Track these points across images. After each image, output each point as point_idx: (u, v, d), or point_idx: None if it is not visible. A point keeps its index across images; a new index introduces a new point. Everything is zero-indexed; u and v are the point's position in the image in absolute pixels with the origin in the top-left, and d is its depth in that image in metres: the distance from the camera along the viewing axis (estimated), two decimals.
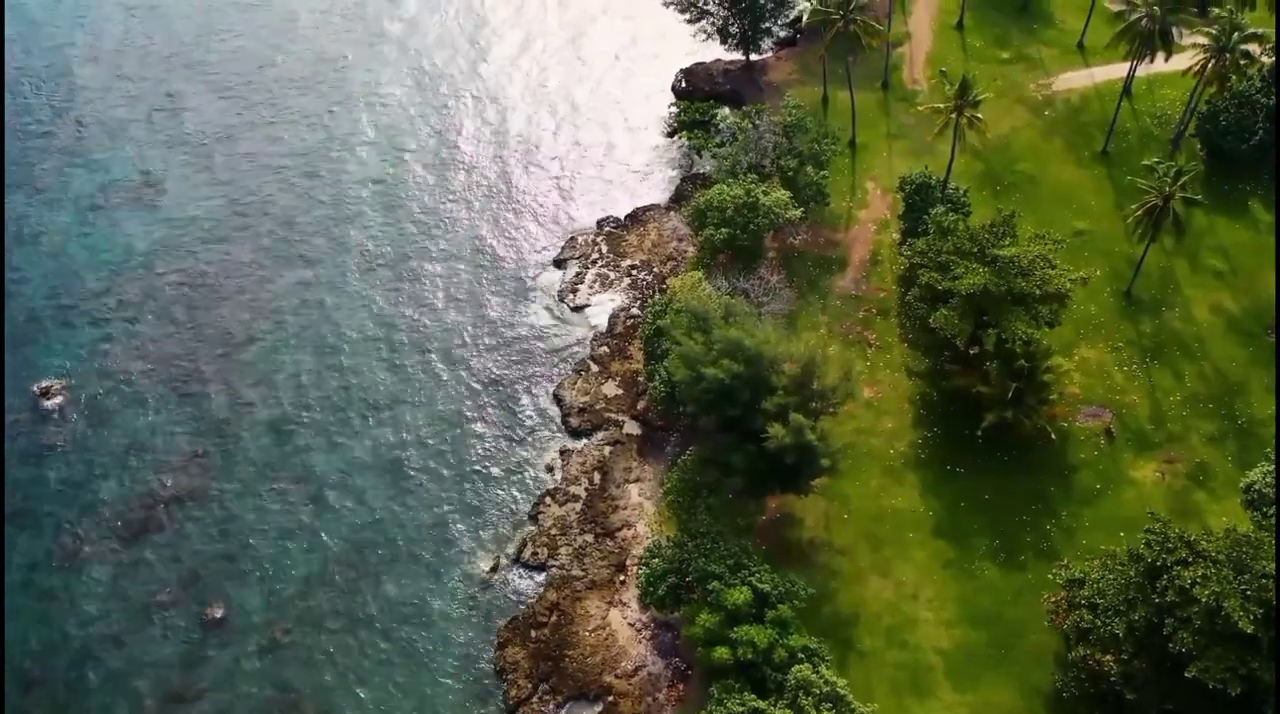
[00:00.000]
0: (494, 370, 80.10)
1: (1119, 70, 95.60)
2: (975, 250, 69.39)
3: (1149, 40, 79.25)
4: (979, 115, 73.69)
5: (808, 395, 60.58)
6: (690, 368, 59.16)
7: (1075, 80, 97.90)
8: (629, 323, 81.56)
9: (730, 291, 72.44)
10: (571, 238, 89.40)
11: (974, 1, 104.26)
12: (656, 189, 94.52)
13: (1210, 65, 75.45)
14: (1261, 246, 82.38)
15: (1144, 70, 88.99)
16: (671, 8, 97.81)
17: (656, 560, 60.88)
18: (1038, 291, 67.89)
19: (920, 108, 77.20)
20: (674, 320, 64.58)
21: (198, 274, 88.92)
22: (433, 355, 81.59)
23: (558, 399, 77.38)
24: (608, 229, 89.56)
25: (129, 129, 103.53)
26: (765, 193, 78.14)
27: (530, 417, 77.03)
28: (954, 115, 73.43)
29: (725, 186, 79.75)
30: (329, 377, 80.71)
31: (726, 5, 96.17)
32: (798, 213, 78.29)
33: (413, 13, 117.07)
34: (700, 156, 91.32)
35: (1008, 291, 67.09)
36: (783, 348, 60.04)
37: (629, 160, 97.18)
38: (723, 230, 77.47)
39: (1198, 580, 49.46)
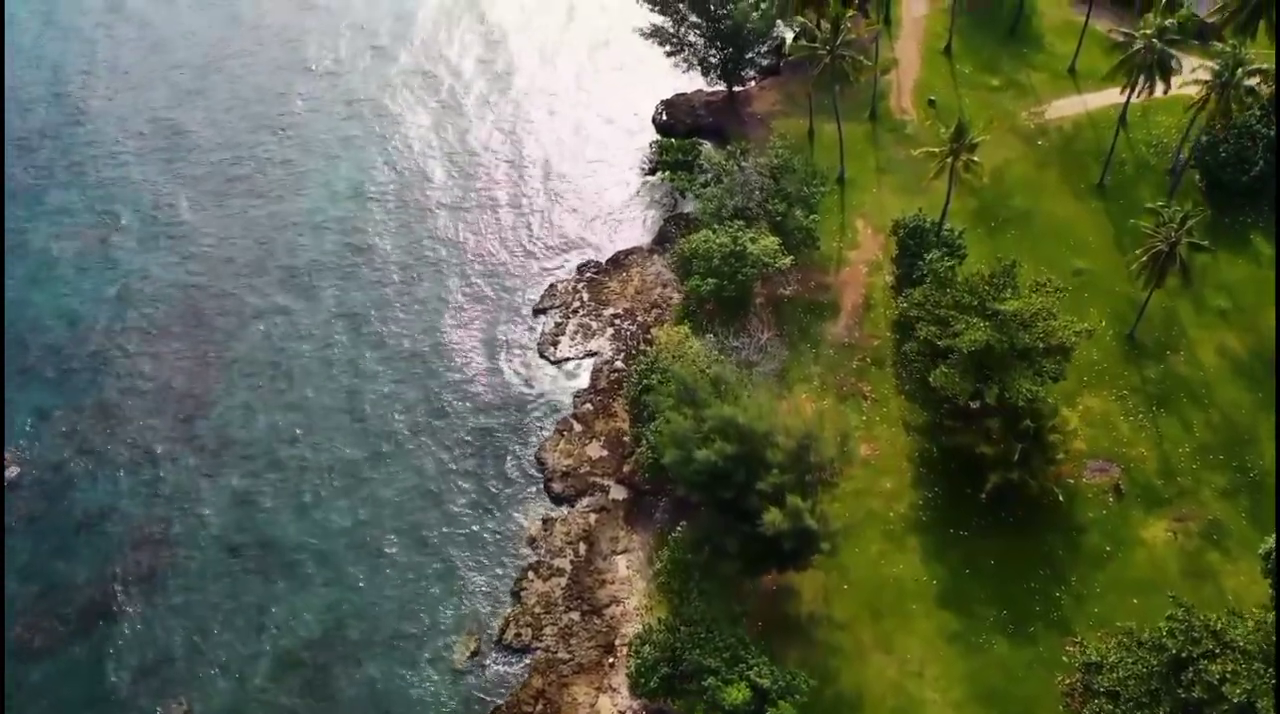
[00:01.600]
0: (472, 432, 76.03)
1: (1112, 96, 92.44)
2: (975, 303, 66.13)
3: (1148, 72, 76.19)
4: (975, 158, 70.34)
5: (804, 468, 57.02)
6: (680, 447, 55.53)
7: (1068, 107, 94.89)
8: (613, 377, 77.80)
9: (719, 350, 68.77)
10: (552, 285, 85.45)
11: (962, 25, 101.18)
12: (638, 230, 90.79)
13: (1212, 100, 72.41)
14: (1263, 281, 79.44)
15: (1139, 96, 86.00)
16: (650, 40, 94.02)
17: (648, 648, 57.25)
18: (1041, 345, 64.80)
19: (915, 153, 73.75)
20: (661, 392, 60.84)
21: (160, 329, 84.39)
22: (407, 417, 77.41)
23: (540, 462, 73.53)
24: (589, 274, 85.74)
25: (90, 170, 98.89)
26: (753, 240, 74.58)
27: (511, 482, 73.06)
28: (949, 159, 69.97)
29: (711, 232, 76.14)
30: (297, 440, 76.49)
31: (707, 36, 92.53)
32: (787, 261, 74.78)
33: (374, 49, 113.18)
34: (684, 197, 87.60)
35: (1010, 346, 63.91)
36: (778, 421, 56.40)
37: (609, 199, 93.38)
38: (709, 280, 73.90)
39: (1227, 677, 46.36)
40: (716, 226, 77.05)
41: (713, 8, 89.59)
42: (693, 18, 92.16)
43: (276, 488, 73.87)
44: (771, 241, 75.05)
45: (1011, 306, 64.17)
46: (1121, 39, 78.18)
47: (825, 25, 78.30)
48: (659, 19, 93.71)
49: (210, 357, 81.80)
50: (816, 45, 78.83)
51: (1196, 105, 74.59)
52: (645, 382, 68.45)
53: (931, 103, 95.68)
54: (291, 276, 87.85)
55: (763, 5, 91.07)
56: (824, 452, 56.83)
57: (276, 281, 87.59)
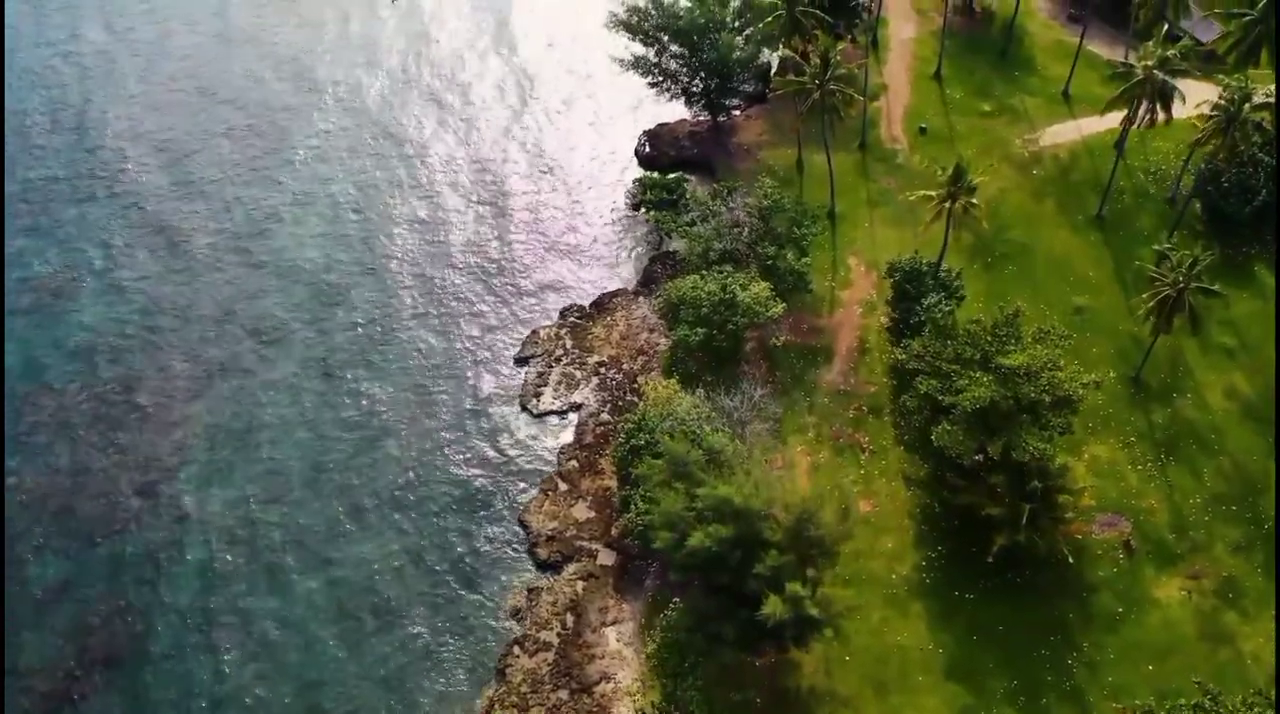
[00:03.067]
0: (452, 493, 72.23)
1: (1108, 121, 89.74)
2: (977, 357, 63.08)
3: (1149, 103, 73.28)
4: (974, 201, 67.23)
5: (804, 544, 53.73)
6: (672, 530, 52.15)
7: (1062, 133, 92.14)
8: (598, 431, 74.28)
9: (711, 407, 65.41)
10: (533, 331, 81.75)
11: (951, 48, 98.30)
12: (622, 270, 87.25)
13: (1217, 136, 69.60)
14: (1269, 317, 76.69)
15: (1139, 126, 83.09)
16: (632, 72, 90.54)
17: None
18: (1047, 398, 61.80)
19: (911, 198, 70.59)
20: (652, 468, 57.34)
21: (121, 387, 79.98)
22: (382, 479, 73.32)
23: (523, 525, 69.89)
24: (572, 319, 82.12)
25: (45, 215, 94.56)
26: (742, 287, 71.28)
27: (494, 547, 69.36)
28: (947, 204, 66.83)
29: (699, 278, 72.83)
30: (265, 505, 72.44)
31: (690, 66, 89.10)
32: (779, 309, 71.47)
33: (344, 84, 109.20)
34: (669, 236, 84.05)
35: (1015, 402, 60.90)
36: (776, 494, 53.08)
37: (592, 238, 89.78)
38: (698, 331, 70.57)
39: None
40: (705, 272, 73.76)
41: (695, 38, 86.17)
42: (674, 48, 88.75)
43: (245, 557, 69.88)
44: (762, 288, 71.76)
45: (1016, 361, 61.12)
46: (1121, 69, 75.35)
47: (815, 59, 74.97)
48: (639, 48, 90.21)
49: (174, 416, 77.61)
50: (805, 79, 75.55)
51: (1199, 140, 71.81)
52: (633, 441, 65.02)
53: (923, 130, 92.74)
54: (259, 328, 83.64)
55: (747, 31, 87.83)
56: (824, 526, 53.48)
57: (243, 333, 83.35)
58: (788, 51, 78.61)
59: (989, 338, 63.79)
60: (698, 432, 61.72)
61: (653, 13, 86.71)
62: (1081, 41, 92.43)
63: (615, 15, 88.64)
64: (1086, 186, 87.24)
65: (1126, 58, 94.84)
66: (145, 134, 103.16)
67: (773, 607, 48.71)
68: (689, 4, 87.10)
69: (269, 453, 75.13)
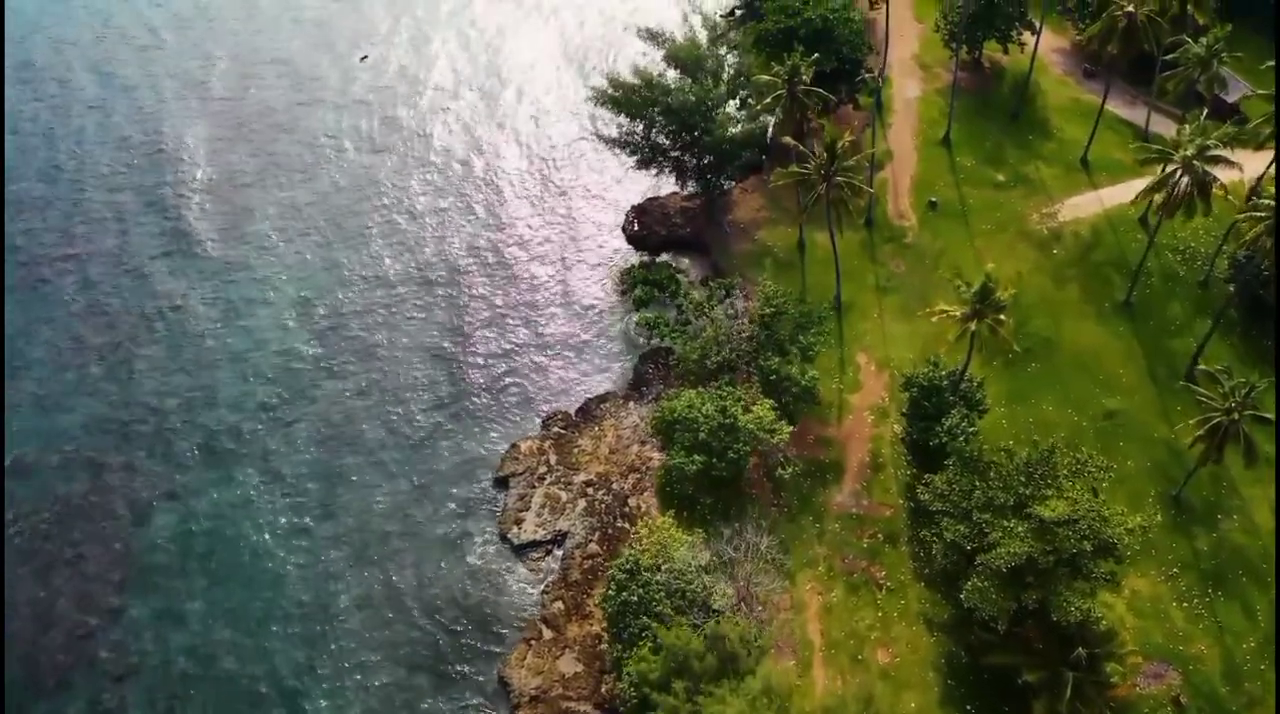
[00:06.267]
0: (423, 643, 64.82)
1: (1130, 191, 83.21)
2: (1010, 503, 56.29)
3: (1187, 197, 66.57)
4: (1002, 317, 60.36)
5: None
6: None
7: (1083, 206, 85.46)
8: (586, 565, 67.17)
9: (710, 556, 58.48)
10: (514, 445, 74.29)
11: (960, 109, 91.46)
12: (611, 367, 79.94)
13: (1265, 239, 62.98)
14: None
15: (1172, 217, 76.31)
16: (617, 150, 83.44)
17: None
18: (1088, 546, 55.02)
19: (933, 318, 63.54)
20: (647, 664, 50.31)
21: (51, 514, 71.84)
22: (343, 627, 65.48)
23: (504, 682, 62.67)
24: (556, 430, 74.88)
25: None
26: (744, 408, 64.30)
27: (473, 712, 62.22)
28: (972, 323, 59.95)
29: (695, 396, 65.82)
30: (216, 656, 64.82)
31: (682, 143, 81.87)
32: (786, 434, 64.49)
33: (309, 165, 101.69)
34: (662, 340, 76.72)
35: (1054, 557, 54.15)
36: (789, 693, 46.17)
37: (576, 334, 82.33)
38: (696, 458, 63.55)
39: None
40: (701, 387, 66.76)
41: (686, 117, 78.98)
42: (663, 121, 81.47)
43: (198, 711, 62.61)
44: (766, 408, 64.78)
45: (1055, 511, 54.31)
46: (1154, 155, 68.64)
47: (820, 150, 67.94)
48: (625, 122, 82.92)
49: (116, 549, 70.07)
50: (809, 170, 68.54)
51: (1243, 239, 65.24)
52: (624, 594, 57.98)
53: (933, 205, 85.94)
54: (212, 439, 76.08)
55: (744, 111, 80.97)
56: None
57: (194, 446, 75.70)
58: (789, 139, 71.39)
59: (1022, 479, 57.00)
60: (698, 592, 54.76)
61: (639, 87, 79.40)
62: (1103, 105, 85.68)
63: (599, 90, 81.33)
64: (1111, 267, 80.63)
65: (1148, 122, 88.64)
66: (100, 209, 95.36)
67: None
68: (678, 81, 79.91)
69: (218, 592, 67.51)
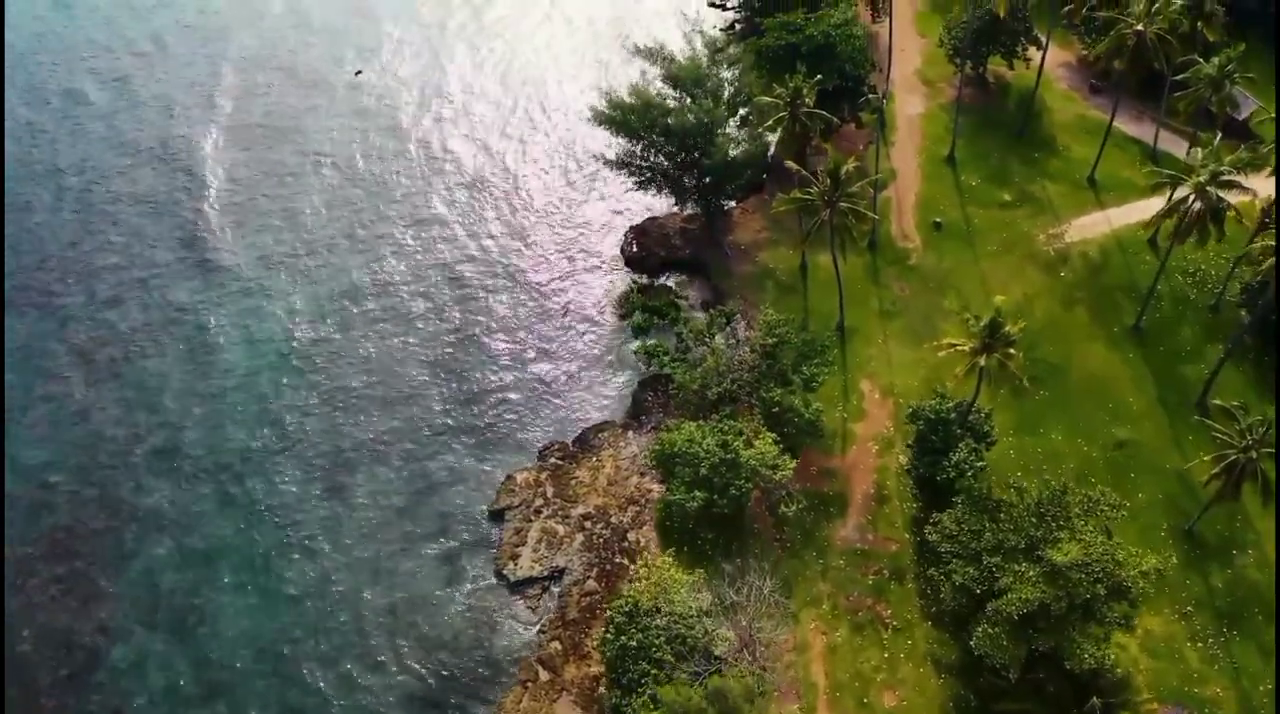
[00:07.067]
0: (415, 686, 62.70)
1: (1139, 211, 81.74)
2: (1022, 545, 54.56)
3: (1200, 223, 64.88)
4: (1012, 352, 58.58)
5: None
6: None
7: (1091, 227, 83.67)
8: (584, 602, 65.35)
9: (711, 599, 56.72)
10: (509, 476, 72.39)
11: (965, 126, 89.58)
12: (609, 395, 77.94)
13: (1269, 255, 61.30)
14: None
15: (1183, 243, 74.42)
16: (617, 172, 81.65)
17: None
18: (1101, 590, 53.33)
19: (940, 352, 61.85)
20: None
21: (24, 553, 69.64)
22: (333, 670, 63.41)
23: None
24: (553, 460, 73.00)
25: None
26: (746, 443, 62.53)
27: None
28: (981, 358, 58.17)
29: (695, 429, 64.06)
30: (199, 701, 62.80)
31: (682, 163, 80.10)
32: (790, 470, 62.69)
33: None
34: (661, 369, 74.81)
35: (1068, 602, 52.44)
36: None
37: (573, 360, 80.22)
38: (697, 495, 61.79)
39: None
40: (701, 419, 65.00)
41: (686, 139, 77.19)
42: (662, 141, 79.64)
43: None
44: (768, 442, 62.98)
45: (1068, 555, 52.56)
46: (1166, 180, 66.85)
47: (823, 174, 66.17)
48: (624, 143, 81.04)
49: (102, 587, 68.23)
50: (812, 196, 66.77)
51: (1258, 269, 63.56)
52: (623, 639, 56.21)
53: (937, 226, 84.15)
54: (196, 475, 73.79)
55: (745, 130, 79.26)
56: None
57: (179, 482, 73.40)
58: (791, 164, 69.58)
59: (1033, 520, 55.28)
60: (699, 637, 53.01)
61: (638, 107, 77.55)
62: (1111, 122, 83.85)
63: (597, 110, 79.48)
64: (1120, 291, 78.83)
65: (1156, 139, 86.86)
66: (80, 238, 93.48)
67: None
68: (677, 101, 78.09)
69: (202, 631, 65.42)
